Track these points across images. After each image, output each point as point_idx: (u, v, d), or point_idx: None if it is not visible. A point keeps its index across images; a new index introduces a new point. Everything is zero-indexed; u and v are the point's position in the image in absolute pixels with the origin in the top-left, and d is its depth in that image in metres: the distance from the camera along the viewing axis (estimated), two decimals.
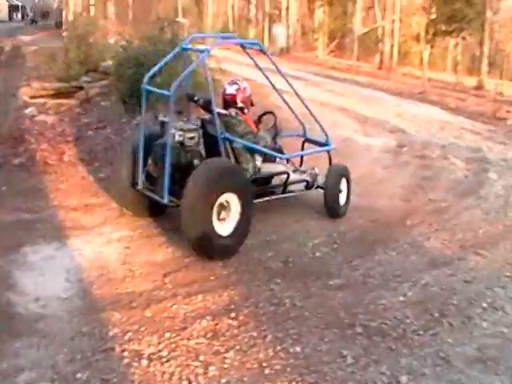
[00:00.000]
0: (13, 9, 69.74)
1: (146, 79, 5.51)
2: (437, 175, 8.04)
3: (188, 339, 3.82)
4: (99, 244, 5.23)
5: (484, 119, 13.08)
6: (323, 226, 5.88)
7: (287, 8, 34.69)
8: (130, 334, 3.85)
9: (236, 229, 5.11)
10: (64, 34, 17.59)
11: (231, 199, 5.07)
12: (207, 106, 5.67)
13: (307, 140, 6.53)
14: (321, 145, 6.42)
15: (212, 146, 5.48)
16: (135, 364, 3.54)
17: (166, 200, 5.18)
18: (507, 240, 5.80)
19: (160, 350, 3.69)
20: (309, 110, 6.21)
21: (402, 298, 4.50)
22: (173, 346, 3.74)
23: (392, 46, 26.17)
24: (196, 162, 5.29)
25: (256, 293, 4.47)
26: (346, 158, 8.38)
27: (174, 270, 4.80)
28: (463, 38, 21.75)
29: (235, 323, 4.04)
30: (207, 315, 4.11)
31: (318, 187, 6.20)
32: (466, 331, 4.09)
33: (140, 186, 5.49)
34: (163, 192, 5.15)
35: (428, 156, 9.06)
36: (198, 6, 46.75)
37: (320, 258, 5.16)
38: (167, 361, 3.58)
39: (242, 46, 6.30)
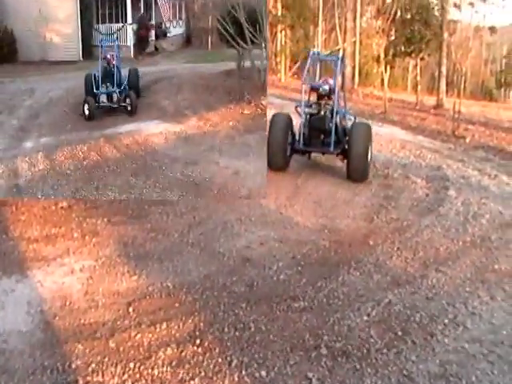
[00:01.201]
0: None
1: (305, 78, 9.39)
2: (398, 194, 8.16)
3: (152, 368, 3.80)
4: (61, 275, 5.16)
5: (443, 137, 13.35)
6: (287, 248, 5.92)
7: None
8: (93, 365, 3.81)
9: (370, 160, 8.80)
10: None
11: (370, 144, 8.79)
12: (330, 94, 8.84)
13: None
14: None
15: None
16: None
17: (332, 149, 8.71)
18: (467, 256, 5.91)
19: (124, 381, 3.66)
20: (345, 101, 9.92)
21: (365, 318, 4.55)
22: (137, 375, 3.72)
23: (353, 68, 26.61)
24: (332, 126, 8.67)
25: (221, 318, 4.47)
26: (308, 179, 8.51)
27: (138, 298, 4.77)
28: (422, 59, 22.18)
29: (200, 350, 4.02)
30: (172, 343, 4.09)
31: None
32: (429, 348, 4.15)
33: (299, 146, 8.86)
34: (330, 146, 8.66)
35: (390, 175, 9.20)
36: None
37: (284, 281, 5.18)
38: None
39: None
